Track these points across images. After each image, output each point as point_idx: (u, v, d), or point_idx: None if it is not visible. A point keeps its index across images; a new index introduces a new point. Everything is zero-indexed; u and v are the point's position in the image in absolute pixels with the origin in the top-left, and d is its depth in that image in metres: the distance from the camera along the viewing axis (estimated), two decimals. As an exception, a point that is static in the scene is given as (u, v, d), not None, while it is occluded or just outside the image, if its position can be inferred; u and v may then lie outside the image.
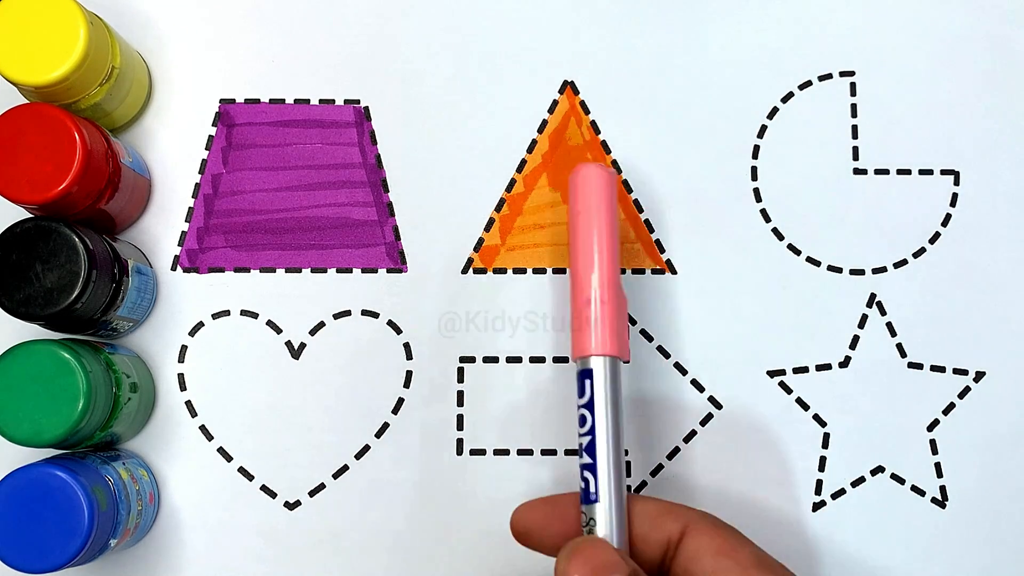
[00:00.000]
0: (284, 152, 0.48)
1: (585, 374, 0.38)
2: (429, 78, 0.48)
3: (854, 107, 0.49)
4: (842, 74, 0.49)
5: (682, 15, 0.49)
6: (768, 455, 0.47)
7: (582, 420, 0.37)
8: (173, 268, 0.47)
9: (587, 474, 0.37)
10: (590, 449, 0.37)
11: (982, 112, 0.49)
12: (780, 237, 0.48)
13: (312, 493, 0.46)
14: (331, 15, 0.48)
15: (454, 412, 0.47)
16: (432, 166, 0.48)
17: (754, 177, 0.48)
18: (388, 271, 0.47)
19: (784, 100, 0.49)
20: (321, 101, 0.48)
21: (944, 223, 0.48)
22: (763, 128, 0.49)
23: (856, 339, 0.48)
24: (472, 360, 0.47)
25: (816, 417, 0.47)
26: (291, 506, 0.46)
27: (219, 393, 0.46)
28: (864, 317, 0.48)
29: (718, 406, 0.47)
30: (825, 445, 0.47)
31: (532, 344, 0.47)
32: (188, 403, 0.46)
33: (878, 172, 0.48)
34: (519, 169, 0.48)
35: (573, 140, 0.48)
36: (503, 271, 0.48)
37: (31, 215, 0.41)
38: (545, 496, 0.39)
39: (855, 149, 0.49)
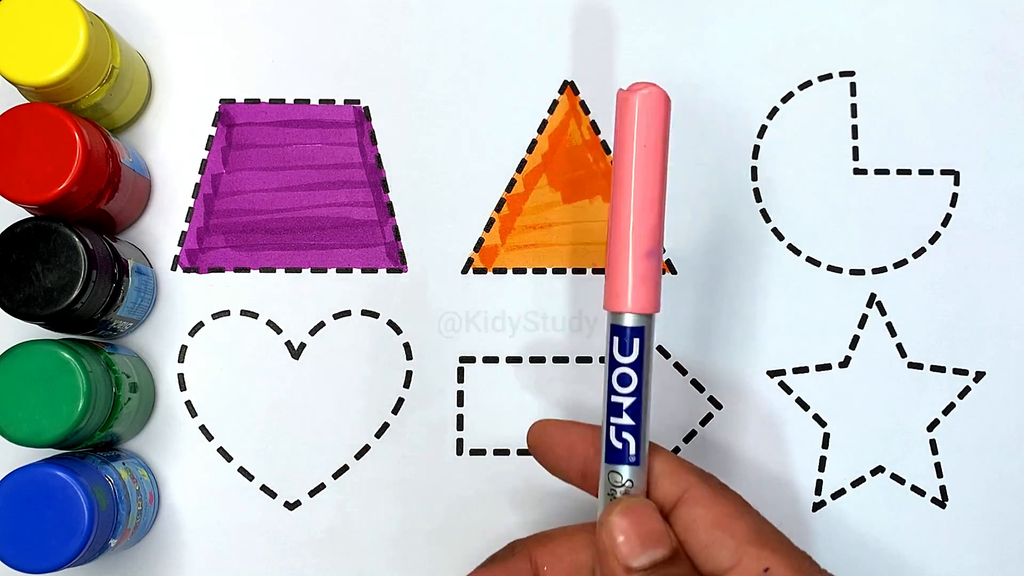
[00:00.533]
0: (284, 152, 0.48)
1: (635, 332, 0.35)
2: (429, 78, 0.48)
3: (854, 107, 0.49)
4: (842, 74, 0.49)
5: (682, 15, 0.49)
6: (768, 455, 0.47)
7: (624, 380, 0.35)
8: (173, 268, 0.47)
9: (627, 435, 0.35)
10: (634, 411, 0.35)
11: (982, 112, 0.49)
12: (780, 237, 0.48)
13: (312, 493, 0.46)
14: (331, 15, 0.48)
15: (454, 412, 0.47)
16: (432, 166, 0.48)
17: (754, 177, 0.48)
18: (388, 271, 0.47)
19: (784, 100, 0.49)
20: (321, 101, 0.48)
21: (944, 223, 0.48)
22: (763, 128, 0.49)
23: (856, 339, 0.48)
24: (472, 360, 0.47)
25: (816, 417, 0.47)
26: (291, 506, 0.46)
27: (219, 393, 0.46)
28: (864, 317, 0.48)
29: (718, 406, 0.47)
30: (825, 445, 0.47)
31: (532, 344, 0.47)
32: (188, 403, 0.46)
33: (878, 172, 0.48)
34: (519, 169, 0.48)
35: (573, 140, 0.48)
36: (503, 271, 0.48)
37: (31, 215, 0.41)
38: (561, 420, 0.38)
39: (855, 149, 0.49)
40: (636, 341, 0.35)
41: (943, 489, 0.47)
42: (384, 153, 0.48)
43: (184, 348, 0.47)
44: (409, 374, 0.47)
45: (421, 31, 0.48)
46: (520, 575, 0.37)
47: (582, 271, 0.48)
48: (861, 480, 0.47)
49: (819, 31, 0.49)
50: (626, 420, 0.35)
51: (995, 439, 0.47)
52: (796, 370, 0.47)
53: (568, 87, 0.48)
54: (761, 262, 0.48)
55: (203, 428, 0.46)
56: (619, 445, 0.35)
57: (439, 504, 0.46)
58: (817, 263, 0.48)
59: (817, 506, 0.47)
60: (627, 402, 0.35)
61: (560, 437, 0.37)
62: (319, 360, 0.47)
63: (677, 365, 0.47)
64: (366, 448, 0.47)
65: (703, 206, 0.48)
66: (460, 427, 0.47)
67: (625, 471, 0.35)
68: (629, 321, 0.35)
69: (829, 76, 0.49)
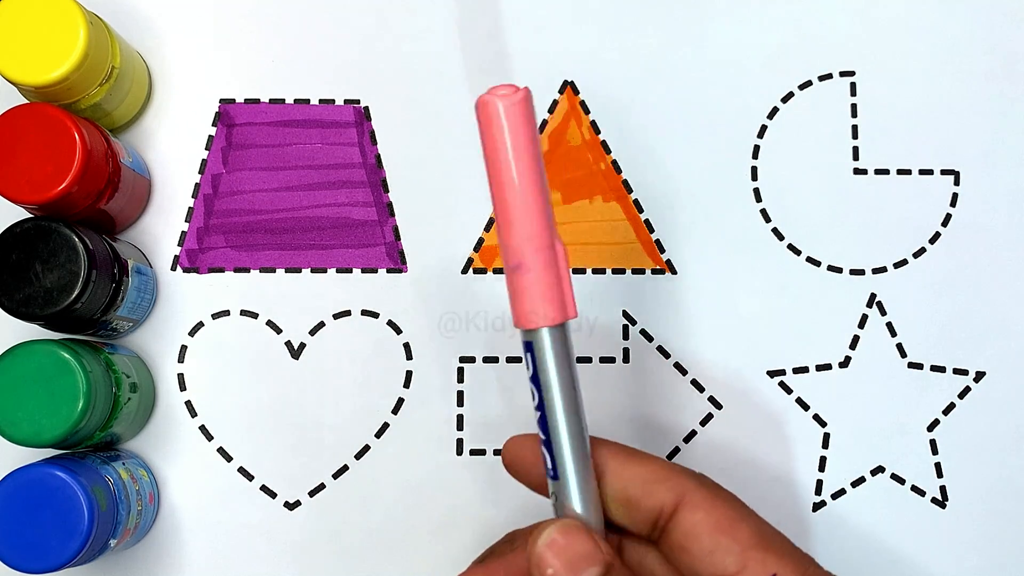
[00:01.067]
0: (284, 152, 0.48)
1: (527, 346, 0.34)
2: (429, 78, 0.48)
3: (854, 107, 0.49)
4: (842, 74, 0.49)
5: (682, 15, 0.49)
6: (768, 455, 0.47)
7: (532, 394, 0.34)
8: (173, 268, 0.47)
9: (544, 451, 0.34)
10: (542, 424, 0.34)
11: (982, 112, 0.49)
12: (780, 237, 0.48)
13: (312, 493, 0.46)
14: (331, 15, 0.48)
15: (454, 412, 0.47)
16: (432, 166, 0.48)
17: (754, 177, 0.48)
18: (388, 271, 0.47)
19: (784, 100, 0.49)
20: (321, 101, 0.48)
21: (944, 223, 0.48)
22: (763, 128, 0.49)
23: (856, 339, 0.48)
24: (472, 360, 0.47)
25: (816, 417, 0.47)
26: (291, 506, 0.46)
27: (219, 393, 0.46)
28: (864, 317, 0.48)
29: (718, 406, 0.47)
30: (825, 445, 0.47)
31: (532, 344, 0.47)
32: (188, 403, 0.46)
33: (878, 172, 0.48)
34: (519, 169, 0.48)
35: (573, 140, 0.48)
36: (503, 271, 0.47)
37: (31, 215, 0.41)
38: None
39: (855, 149, 0.49)
40: (528, 356, 0.34)
41: (943, 489, 0.47)
42: (384, 153, 0.48)
43: (184, 348, 0.47)
44: (409, 374, 0.47)
45: (421, 31, 0.48)
46: (520, 569, 0.36)
47: (582, 271, 0.48)
48: (861, 480, 0.47)
49: (819, 31, 0.49)
50: (541, 435, 0.34)
51: (995, 439, 0.47)
52: (796, 370, 0.47)
53: (568, 87, 0.48)
54: (761, 262, 0.48)
55: (203, 428, 0.46)
56: (544, 460, 0.34)
57: (439, 504, 0.46)
58: (817, 263, 0.48)
59: (817, 506, 0.47)
60: (536, 416, 0.34)
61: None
62: (319, 360, 0.47)
63: (677, 365, 0.47)
64: (366, 448, 0.47)
65: (703, 206, 0.48)
66: (460, 427, 0.47)
67: (553, 485, 0.34)
68: (520, 336, 0.34)
69: (829, 76, 0.49)
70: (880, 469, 0.47)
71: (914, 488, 0.47)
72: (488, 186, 0.33)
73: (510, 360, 0.47)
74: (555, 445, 0.34)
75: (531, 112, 0.32)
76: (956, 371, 0.48)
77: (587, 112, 0.48)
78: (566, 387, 0.34)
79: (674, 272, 0.48)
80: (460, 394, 0.47)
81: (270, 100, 0.48)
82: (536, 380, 0.34)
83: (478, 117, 0.32)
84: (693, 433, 0.47)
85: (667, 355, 0.47)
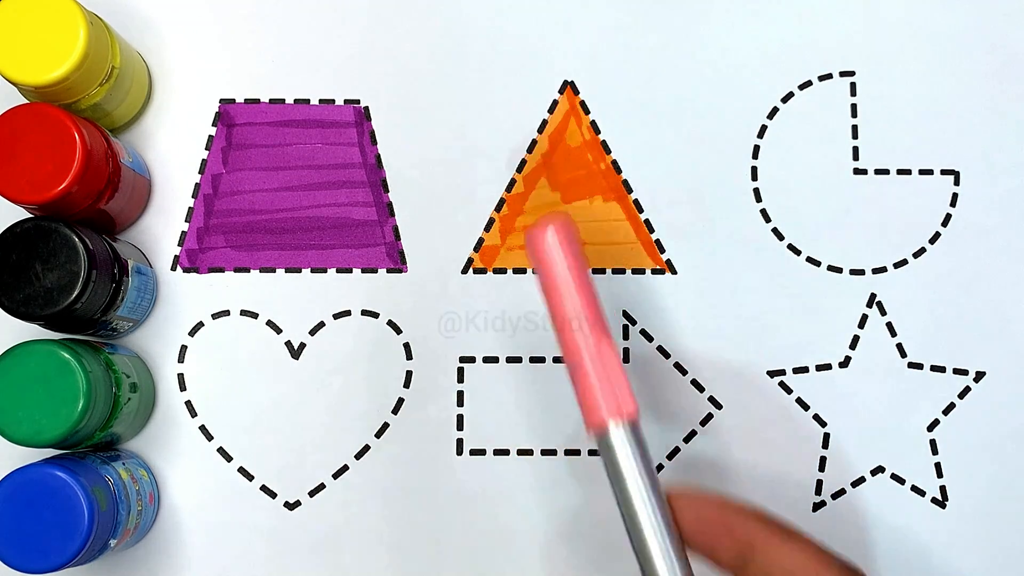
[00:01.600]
0: (284, 152, 0.48)
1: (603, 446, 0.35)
2: (429, 78, 0.48)
3: (854, 107, 0.49)
4: (842, 74, 0.49)
5: (682, 15, 0.49)
6: (768, 455, 0.47)
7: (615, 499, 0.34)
8: (173, 268, 0.47)
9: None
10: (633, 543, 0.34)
11: (982, 112, 0.49)
12: (780, 237, 0.48)
13: (312, 493, 0.46)
14: (331, 15, 0.48)
15: (454, 412, 0.47)
16: (432, 166, 0.48)
17: (754, 177, 0.48)
18: (388, 271, 0.47)
19: (784, 100, 0.49)
20: (321, 101, 0.48)
21: (944, 223, 0.48)
22: (763, 128, 0.49)
23: (856, 339, 0.48)
24: (472, 360, 0.47)
25: (816, 417, 0.47)
26: (291, 506, 0.46)
27: (219, 393, 0.46)
28: (864, 317, 0.48)
29: (718, 406, 0.47)
30: (825, 445, 0.47)
31: (532, 344, 0.47)
32: (188, 403, 0.46)
33: (878, 172, 0.48)
34: (519, 169, 0.48)
35: (573, 140, 0.48)
36: (503, 271, 0.48)
37: (31, 215, 0.41)
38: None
39: (855, 149, 0.49)
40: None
41: (943, 489, 0.47)
42: (384, 153, 0.48)
43: (184, 348, 0.47)
44: (409, 374, 0.47)
45: (421, 31, 0.48)
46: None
47: (582, 271, 0.48)
48: (861, 480, 0.47)
49: (819, 31, 0.49)
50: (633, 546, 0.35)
51: (995, 439, 0.47)
52: (796, 370, 0.47)
53: (568, 87, 0.48)
54: (761, 262, 0.48)
55: (203, 428, 0.46)
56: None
57: (439, 504, 0.46)
58: (817, 263, 0.48)
59: (817, 506, 0.47)
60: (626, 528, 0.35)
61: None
62: (319, 360, 0.47)
63: (677, 365, 0.47)
64: (366, 448, 0.47)
65: (703, 206, 0.48)
66: (460, 427, 0.47)
67: None
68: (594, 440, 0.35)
69: (829, 76, 0.49)
70: (880, 469, 0.47)
71: (914, 488, 0.47)
72: (547, 303, 0.37)
73: (510, 360, 0.47)
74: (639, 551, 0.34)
75: (572, 230, 0.36)
76: (956, 371, 0.48)
77: (587, 112, 0.48)
78: (652, 485, 0.34)
79: (674, 272, 0.48)
80: (460, 394, 0.47)
81: (270, 100, 0.48)
82: (617, 480, 0.34)
83: (533, 243, 0.36)
84: (693, 433, 0.47)
85: (667, 355, 0.47)
